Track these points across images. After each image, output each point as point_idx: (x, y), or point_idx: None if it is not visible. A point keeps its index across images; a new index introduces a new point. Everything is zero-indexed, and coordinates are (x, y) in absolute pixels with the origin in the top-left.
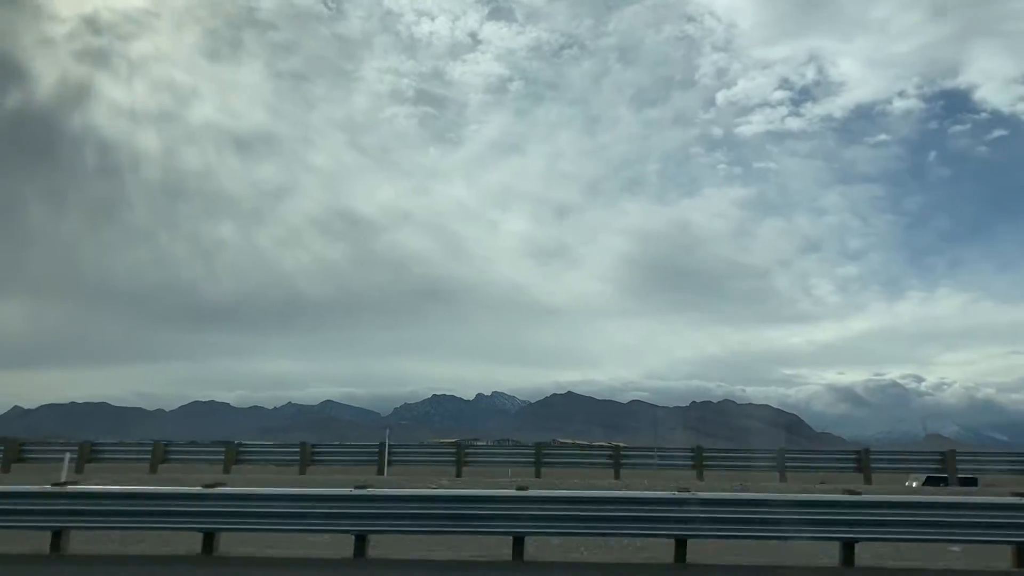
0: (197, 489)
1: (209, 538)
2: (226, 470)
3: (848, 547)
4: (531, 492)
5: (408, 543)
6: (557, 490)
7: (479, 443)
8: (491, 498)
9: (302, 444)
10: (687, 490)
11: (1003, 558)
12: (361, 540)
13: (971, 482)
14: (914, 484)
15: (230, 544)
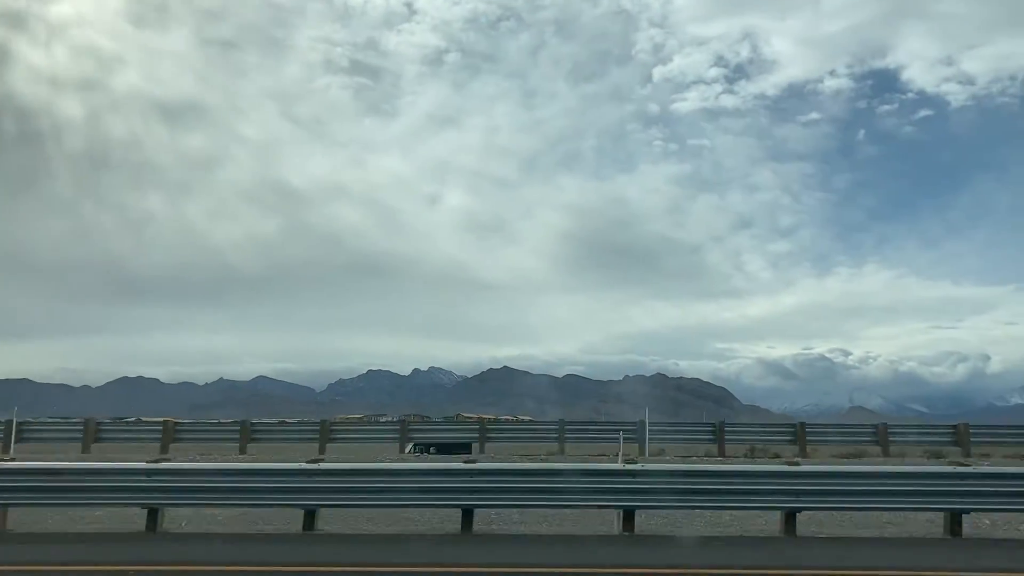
0: (141, 464)
1: (153, 514)
2: (163, 449)
3: (790, 516)
4: (480, 465)
5: (357, 517)
6: (505, 462)
7: (383, 419)
8: (442, 471)
9: (242, 422)
10: (635, 461)
11: (937, 526)
12: (311, 515)
13: (465, 447)
14: (408, 452)
15: (175, 520)
